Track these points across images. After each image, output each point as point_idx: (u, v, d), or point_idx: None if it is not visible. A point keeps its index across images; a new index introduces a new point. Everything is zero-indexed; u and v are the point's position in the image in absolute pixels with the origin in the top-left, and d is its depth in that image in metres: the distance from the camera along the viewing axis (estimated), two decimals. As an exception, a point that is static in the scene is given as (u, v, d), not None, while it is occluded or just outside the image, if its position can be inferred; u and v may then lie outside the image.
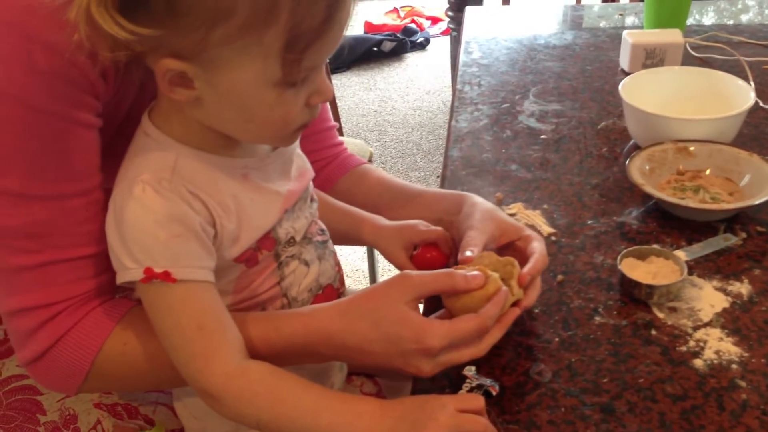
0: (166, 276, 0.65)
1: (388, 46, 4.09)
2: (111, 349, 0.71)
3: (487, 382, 0.75)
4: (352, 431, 0.65)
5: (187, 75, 0.62)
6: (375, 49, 4.07)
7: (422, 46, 4.23)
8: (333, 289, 0.84)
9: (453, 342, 0.69)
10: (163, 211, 0.65)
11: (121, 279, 0.67)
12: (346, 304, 0.72)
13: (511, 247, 0.85)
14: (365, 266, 2.27)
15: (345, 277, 0.89)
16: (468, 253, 0.78)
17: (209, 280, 0.68)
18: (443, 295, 0.74)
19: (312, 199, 0.84)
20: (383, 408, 0.67)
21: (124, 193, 0.66)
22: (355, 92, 3.71)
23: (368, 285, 1.97)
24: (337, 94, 3.40)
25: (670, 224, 0.99)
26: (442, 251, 0.89)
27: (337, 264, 0.87)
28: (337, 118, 1.98)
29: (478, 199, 0.90)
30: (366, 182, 1.00)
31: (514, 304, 0.78)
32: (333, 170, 1.01)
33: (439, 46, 4.20)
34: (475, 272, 0.74)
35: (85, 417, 0.90)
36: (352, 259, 2.42)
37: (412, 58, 4.12)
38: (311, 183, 0.84)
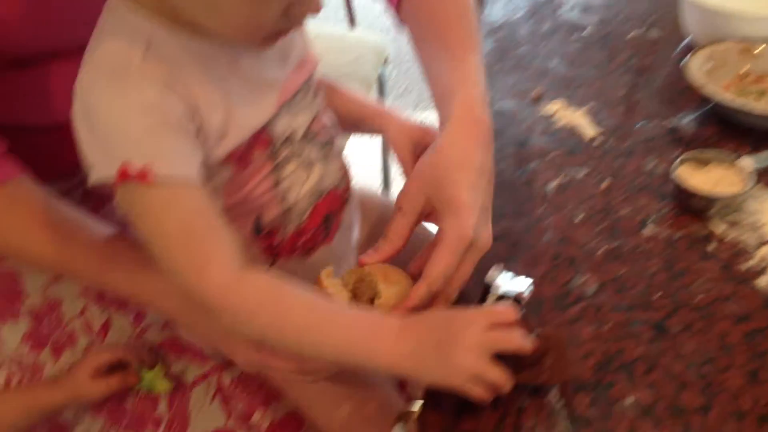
0: (143, 177, 0.54)
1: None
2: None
3: (515, 288, 0.67)
4: (367, 352, 0.57)
5: None
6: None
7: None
8: (336, 194, 0.74)
9: None
10: (137, 99, 0.54)
11: (92, 179, 0.57)
12: None
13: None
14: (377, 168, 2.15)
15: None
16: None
17: (194, 179, 0.58)
18: None
19: (316, 93, 0.73)
20: (403, 327, 0.58)
21: (92, 78, 0.55)
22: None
23: (381, 185, 1.88)
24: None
25: (730, 131, 0.89)
26: None
27: (344, 166, 0.77)
28: (349, 4, 1.83)
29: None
30: None
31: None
32: None
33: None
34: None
35: (71, 303, 0.83)
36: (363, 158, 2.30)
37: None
38: (315, 72, 0.73)
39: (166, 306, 0.69)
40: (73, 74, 0.57)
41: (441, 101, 0.71)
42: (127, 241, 0.70)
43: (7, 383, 0.82)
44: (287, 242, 0.71)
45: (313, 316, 0.58)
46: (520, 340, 0.56)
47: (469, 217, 0.63)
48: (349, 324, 0.58)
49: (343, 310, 0.59)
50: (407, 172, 0.75)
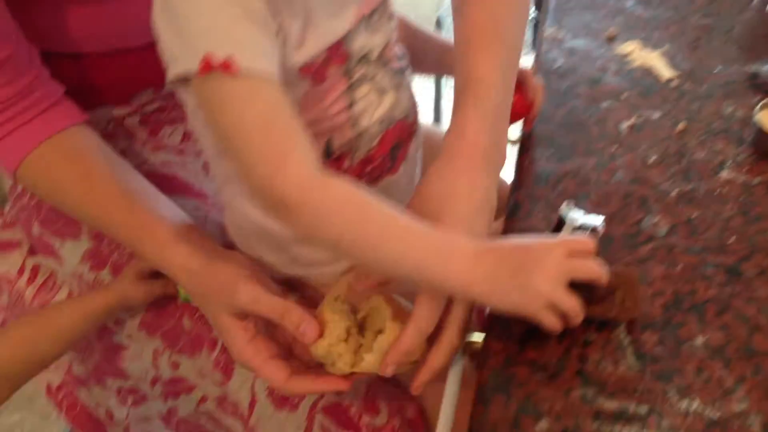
0: (227, 67, 0.53)
1: None
2: (33, 164, 0.71)
3: (591, 221, 0.65)
4: (443, 270, 0.56)
5: None
6: None
7: None
8: (405, 124, 0.74)
9: None
10: None
11: (172, 72, 0.56)
12: None
13: None
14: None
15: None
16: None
17: (275, 75, 0.56)
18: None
19: (391, 16, 0.72)
20: (481, 251, 0.57)
21: None
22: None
23: (432, 120, 1.86)
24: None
25: (815, 79, 0.85)
26: (525, 96, 0.77)
27: (413, 98, 0.76)
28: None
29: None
30: None
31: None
32: None
33: None
34: (312, 323, 0.63)
35: None
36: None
37: None
38: None
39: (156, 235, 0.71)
40: None
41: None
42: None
43: (71, 295, 0.85)
44: (355, 168, 0.71)
45: (393, 226, 0.57)
46: (598, 269, 0.56)
47: None
48: (428, 241, 0.57)
49: (422, 227, 0.58)
50: None
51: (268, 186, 0.55)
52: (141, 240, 0.72)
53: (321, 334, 0.63)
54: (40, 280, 0.87)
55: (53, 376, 0.89)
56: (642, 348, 0.60)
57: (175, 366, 0.84)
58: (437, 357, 0.63)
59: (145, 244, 0.72)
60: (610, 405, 0.56)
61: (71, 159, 0.73)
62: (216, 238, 0.75)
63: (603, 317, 0.60)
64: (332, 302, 0.64)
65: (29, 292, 0.87)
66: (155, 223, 0.72)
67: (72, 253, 0.83)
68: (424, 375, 0.63)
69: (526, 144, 0.79)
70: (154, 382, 0.85)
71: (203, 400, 0.84)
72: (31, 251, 0.89)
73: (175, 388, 0.85)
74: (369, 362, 0.62)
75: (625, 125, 0.81)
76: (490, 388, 0.58)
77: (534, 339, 0.61)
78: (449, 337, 0.63)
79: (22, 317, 0.83)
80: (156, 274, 0.79)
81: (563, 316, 0.56)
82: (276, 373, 0.66)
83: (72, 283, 0.85)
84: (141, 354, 0.84)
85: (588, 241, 0.58)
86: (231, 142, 0.56)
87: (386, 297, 0.64)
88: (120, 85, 0.85)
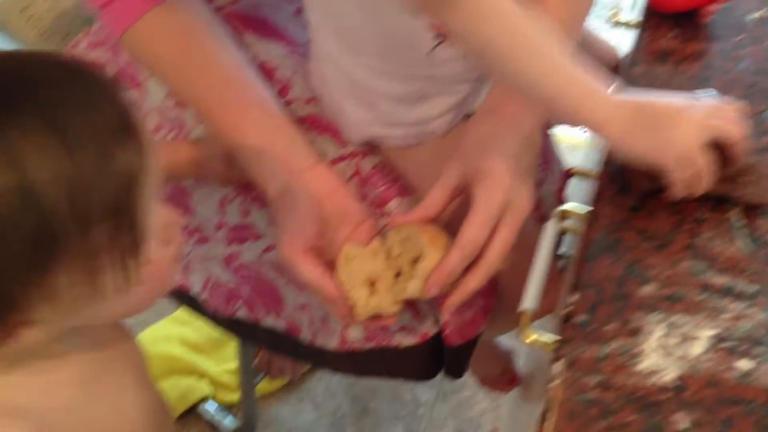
0: None
1: None
2: (139, 33, 0.70)
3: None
4: (581, 104, 0.55)
5: None
6: None
7: None
8: None
9: None
10: None
11: None
12: None
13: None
14: None
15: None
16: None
17: None
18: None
19: None
20: (621, 97, 0.56)
21: None
22: None
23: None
24: None
25: None
26: None
27: None
28: None
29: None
30: None
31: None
32: None
33: None
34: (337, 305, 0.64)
35: None
36: None
37: None
38: None
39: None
40: None
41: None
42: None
43: (157, 130, 0.84)
44: None
45: (544, 45, 0.55)
46: (741, 132, 0.53)
47: (500, 180, 0.61)
48: (575, 72, 0.55)
49: (571, 60, 0.56)
50: None
51: None
52: (231, 142, 0.71)
53: (350, 313, 0.64)
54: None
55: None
56: (756, 232, 0.58)
57: (245, 213, 0.84)
58: (474, 279, 0.62)
59: (234, 147, 0.71)
60: (719, 280, 0.55)
61: (176, 33, 0.71)
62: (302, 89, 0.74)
63: (727, 195, 0.58)
64: (344, 268, 0.64)
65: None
66: (246, 129, 0.71)
67: (159, 86, 0.82)
68: (457, 296, 0.63)
69: (647, 22, 0.75)
70: (220, 226, 0.86)
71: (269, 249, 0.84)
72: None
73: (242, 234, 0.85)
74: (413, 289, 0.62)
75: (753, 16, 0.77)
76: (598, 247, 0.57)
77: (644, 210, 0.59)
78: (489, 260, 0.62)
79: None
80: None
81: (695, 177, 0.54)
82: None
83: (154, 116, 0.84)
84: (208, 200, 0.84)
85: (733, 108, 0.55)
86: None
87: (419, 226, 0.64)
88: None
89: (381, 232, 0.69)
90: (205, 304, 0.91)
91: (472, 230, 0.60)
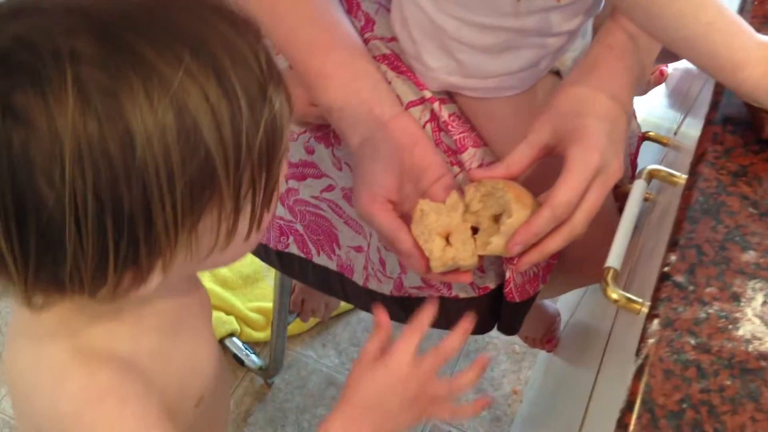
0: None
1: None
2: None
3: None
4: (724, 44, 0.54)
5: None
6: None
7: None
8: None
9: None
10: None
11: None
12: None
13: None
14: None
15: None
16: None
17: None
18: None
19: None
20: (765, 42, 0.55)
21: None
22: None
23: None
24: None
25: None
26: None
27: None
28: None
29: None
30: None
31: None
32: None
33: None
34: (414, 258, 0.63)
35: None
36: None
37: None
38: None
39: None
40: None
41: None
42: None
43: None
44: None
45: None
46: None
47: (596, 143, 0.59)
48: (722, 11, 0.54)
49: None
50: None
51: None
52: (314, 85, 0.69)
53: (426, 265, 0.63)
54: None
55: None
56: None
57: (310, 151, 0.82)
58: (554, 242, 0.61)
59: (317, 89, 0.69)
60: (822, 254, 0.53)
61: None
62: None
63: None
64: (418, 222, 0.63)
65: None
66: (331, 73, 0.69)
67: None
68: (533, 256, 0.62)
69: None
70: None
71: (330, 188, 0.83)
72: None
73: (303, 172, 0.84)
74: (496, 245, 0.61)
75: None
76: (699, 210, 0.55)
77: (747, 176, 0.57)
78: (574, 224, 0.61)
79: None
80: None
81: None
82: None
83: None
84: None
85: None
86: None
87: (504, 182, 0.62)
88: None
89: (458, 186, 0.67)
90: (259, 235, 0.90)
91: (567, 191, 0.59)
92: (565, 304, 1.17)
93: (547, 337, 1.11)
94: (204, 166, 0.39)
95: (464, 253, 0.62)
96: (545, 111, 0.65)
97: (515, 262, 0.66)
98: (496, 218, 0.62)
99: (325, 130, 0.80)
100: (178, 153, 0.38)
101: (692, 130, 0.72)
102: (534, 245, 0.61)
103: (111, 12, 0.39)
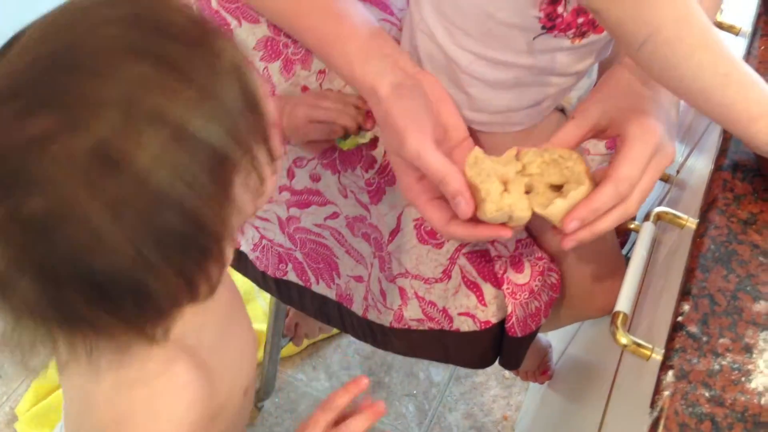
0: None
1: None
2: None
3: None
4: (738, 95, 0.55)
5: None
6: None
7: None
8: None
9: None
10: None
11: None
12: None
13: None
14: None
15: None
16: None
17: None
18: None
19: None
20: None
21: None
22: None
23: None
24: None
25: None
26: None
27: None
28: None
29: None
30: None
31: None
32: None
33: None
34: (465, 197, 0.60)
35: None
36: None
37: None
38: None
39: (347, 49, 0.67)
40: None
41: None
42: None
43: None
44: None
45: (711, 32, 0.54)
46: None
47: (655, 124, 0.59)
48: (738, 64, 0.55)
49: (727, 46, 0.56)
50: None
51: None
52: (331, 55, 0.68)
53: (475, 207, 0.60)
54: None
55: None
56: None
57: (316, 179, 0.82)
58: (606, 221, 0.60)
59: (335, 58, 0.68)
60: (831, 306, 0.53)
61: None
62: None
63: None
64: (473, 166, 0.61)
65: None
66: (347, 36, 0.67)
67: (247, 34, 0.79)
68: (584, 233, 0.60)
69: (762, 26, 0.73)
70: (282, 189, 0.83)
71: (334, 215, 0.82)
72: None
73: (307, 199, 0.83)
74: (557, 208, 0.59)
75: None
76: (711, 258, 0.55)
77: (757, 224, 0.57)
78: (629, 204, 0.60)
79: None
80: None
81: None
82: (438, 214, 0.64)
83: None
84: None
85: None
86: None
87: (577, 154, 0.61)
88: None
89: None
90: (257, 261, 0.89)
91: (630, 167, 0.58)
92: (556, 332, 1.17)
93: (542, 369, 1.11)
94: (215, 156, 0.42)
95: (521, 203, 0.60)
96: (594, 93, 0.64)
97: (562, 237, 0.62)
98: (553, 188, 0.61)
99: (331, 157, 0.79)
100: (187, 161, 0.41)
101: (699, 168, 0.73)
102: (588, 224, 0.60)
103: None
